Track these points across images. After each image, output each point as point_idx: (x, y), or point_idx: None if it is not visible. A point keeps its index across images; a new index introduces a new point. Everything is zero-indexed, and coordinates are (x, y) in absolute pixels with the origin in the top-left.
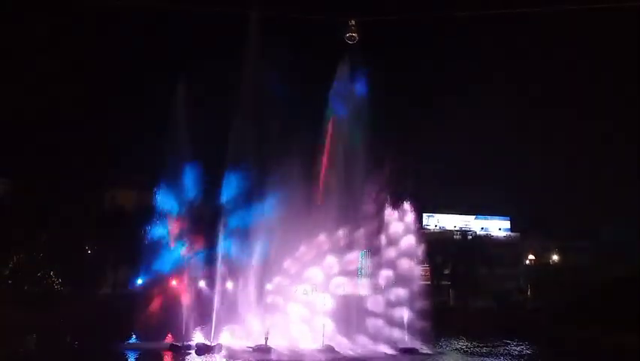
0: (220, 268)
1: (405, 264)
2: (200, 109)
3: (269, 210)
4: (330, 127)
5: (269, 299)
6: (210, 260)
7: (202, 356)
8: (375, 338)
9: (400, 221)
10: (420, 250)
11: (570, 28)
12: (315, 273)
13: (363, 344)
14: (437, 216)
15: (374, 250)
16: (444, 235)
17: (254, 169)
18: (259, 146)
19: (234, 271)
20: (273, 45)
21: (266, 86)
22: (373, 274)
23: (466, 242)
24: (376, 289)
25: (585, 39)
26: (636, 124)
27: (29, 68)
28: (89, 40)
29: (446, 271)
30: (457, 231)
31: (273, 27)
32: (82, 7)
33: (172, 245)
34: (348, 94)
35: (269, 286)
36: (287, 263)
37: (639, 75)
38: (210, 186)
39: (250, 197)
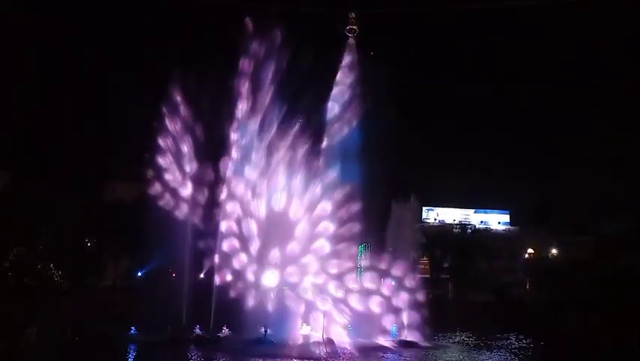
0: (219, 262)
1: (404, 257)
2: (197, 103)
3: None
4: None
5: (268, 291)
6: (209, 253)
7: (201, 349)
8: (375, 331)
9: (399, 214)
10: (419, 244)
11: (569, 23)
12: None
13: (363, 337)
14: (437, 209)
15: (373, 244)
16: (443, 229)
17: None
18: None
19: (234, 264)
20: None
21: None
22: (372, 268)
23: (466, 236)
24: (375, 283)
25: (585, 34)
26: (635, 116)
27: (28, 61)
28: (85, 32)
29: (445, 265)
30: (456, 224)
31: (271, 20)
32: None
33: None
34: (347, 89)
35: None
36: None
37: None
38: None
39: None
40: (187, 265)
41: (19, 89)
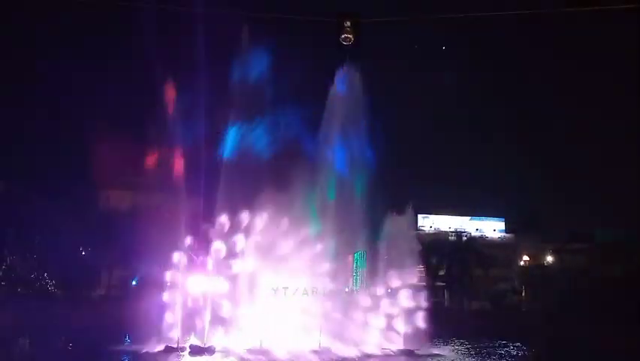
0: (213, 267)
1: (400, 265)
2: (191, 110)
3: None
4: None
5: (265, 298)
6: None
7: (196, 358)
8: (372, 339)
9: (395, 222)
10: (415, 251)
11: (566, 32)
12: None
13: (360, 345)
14: (432, 217)
15: (369, 251)
16: (439, 236)
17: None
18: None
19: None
20: (264, 47)
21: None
22: (368, 276)
23: (461, 243)
24: (371, 290)
25: (580, 38)
26: (632, 122)
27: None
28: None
29: (441, 273)
30: (451, 232)
31: (264, 28)
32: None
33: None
34: (342, 97)
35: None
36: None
37: (637, 75)
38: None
39: (242, 199)
40: (181, 272)
41: (13, 94)
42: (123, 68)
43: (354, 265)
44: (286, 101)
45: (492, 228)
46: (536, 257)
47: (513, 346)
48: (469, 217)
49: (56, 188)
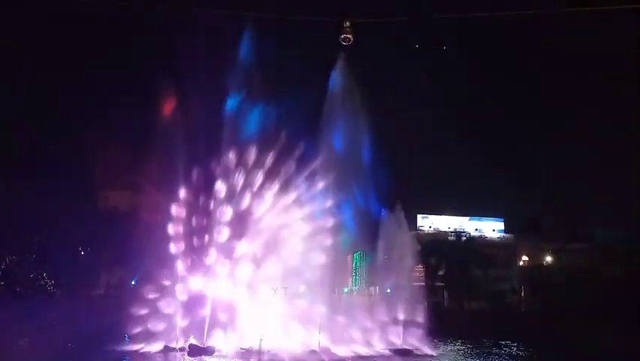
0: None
1: (399, 265)
2: (190, 110)
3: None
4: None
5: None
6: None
7: (195, 358)
8: (371, 339)
9: (394, 222)
10: (414, 252)
11: (564, 31)
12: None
13: (359, 346)
14: (431, 217)
15: (368, 251)
16: (438, 236)
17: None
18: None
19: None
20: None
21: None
22: (367, 276)
23: (460, 243)
24: (370, 289)
25: (580, 38)
26: (632, 122)
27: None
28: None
29: (440, 273)
30: (451, 232)
31: (262, 28)
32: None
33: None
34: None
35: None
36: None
37: (637, 75)
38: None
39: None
40: (180, 272)
41: (11, 94)
42: (122, 68)
43: (354, 265)
44: (284, 97)
45: (491, 228)
46: (536, 257)
47: (512, 346)
48: (468, 217)
49: (56, 188)
